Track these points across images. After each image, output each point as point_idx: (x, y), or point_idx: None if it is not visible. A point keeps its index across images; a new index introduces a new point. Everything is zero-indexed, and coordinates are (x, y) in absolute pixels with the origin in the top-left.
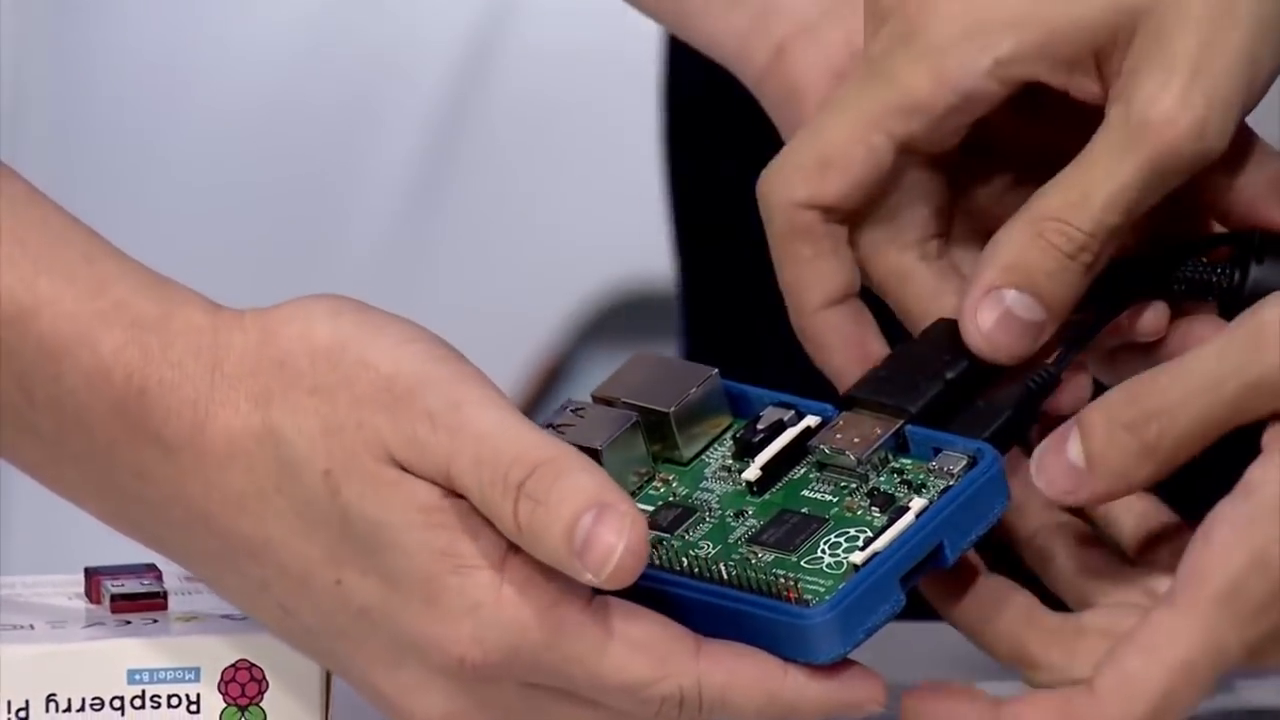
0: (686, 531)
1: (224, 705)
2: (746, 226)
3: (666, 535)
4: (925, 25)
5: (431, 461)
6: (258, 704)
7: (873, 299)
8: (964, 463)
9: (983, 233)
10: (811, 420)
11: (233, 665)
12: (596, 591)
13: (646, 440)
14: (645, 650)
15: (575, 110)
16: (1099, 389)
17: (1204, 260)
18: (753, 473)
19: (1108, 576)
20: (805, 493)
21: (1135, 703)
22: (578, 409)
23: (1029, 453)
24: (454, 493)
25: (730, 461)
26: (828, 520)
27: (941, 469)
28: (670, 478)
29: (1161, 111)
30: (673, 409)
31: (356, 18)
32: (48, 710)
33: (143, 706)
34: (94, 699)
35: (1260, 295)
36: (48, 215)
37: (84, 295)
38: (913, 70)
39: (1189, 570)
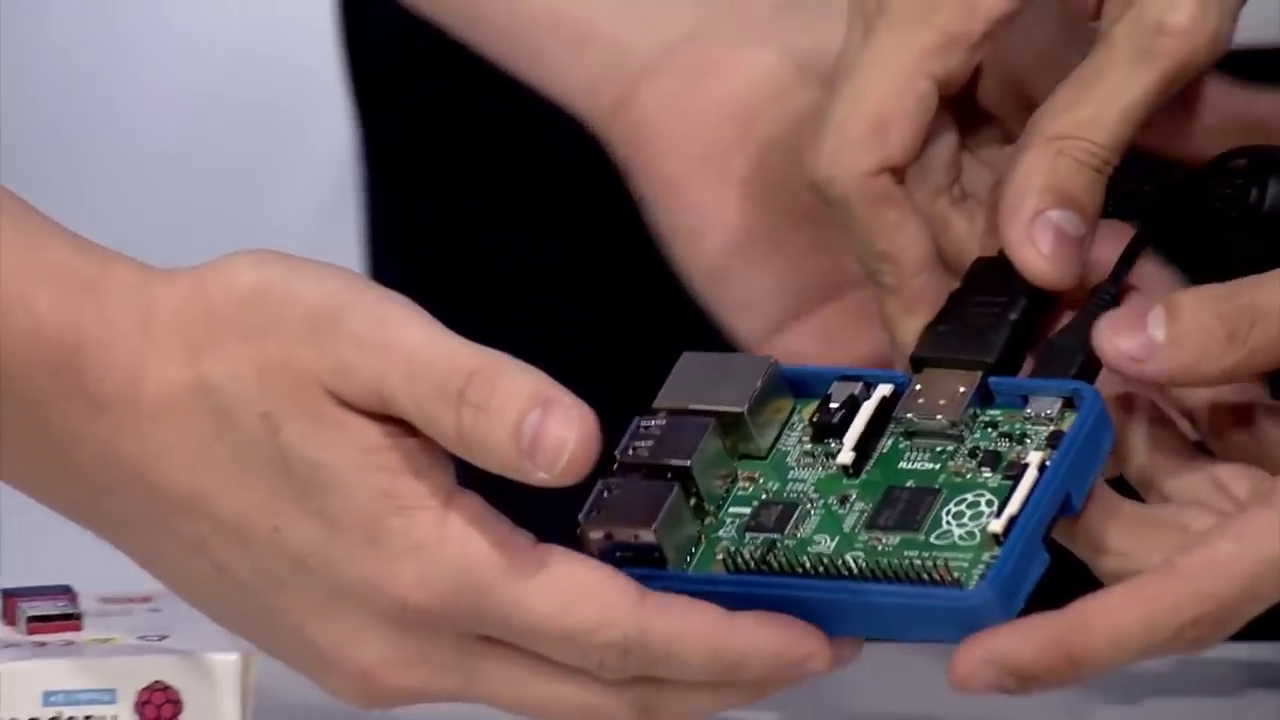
0: (796, 528)
1: None
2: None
3: (777, 535)
4: None
5: (363, 385)
6: None
7: None
8: (1058, 405)
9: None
10: (884, 389)
11: (148, 687)
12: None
13: (723, 442)
14: (589, 597)
15: None
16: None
17: (1223, 178)
18: (846, 455)
19: (1178, 457)
20: (902, 465)
21: (1221, 583)
22: (648, 424)
23: None
24: (398, 431)
25: (810, 446)
26: (939, 490)
27: (1038, 415)
28: (754, 474)
29: (1180, 22)
30: (746, 407)
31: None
32: None
33: None
34: None
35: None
36: None
37: (18, 256)
38: (944, 6)
39: None
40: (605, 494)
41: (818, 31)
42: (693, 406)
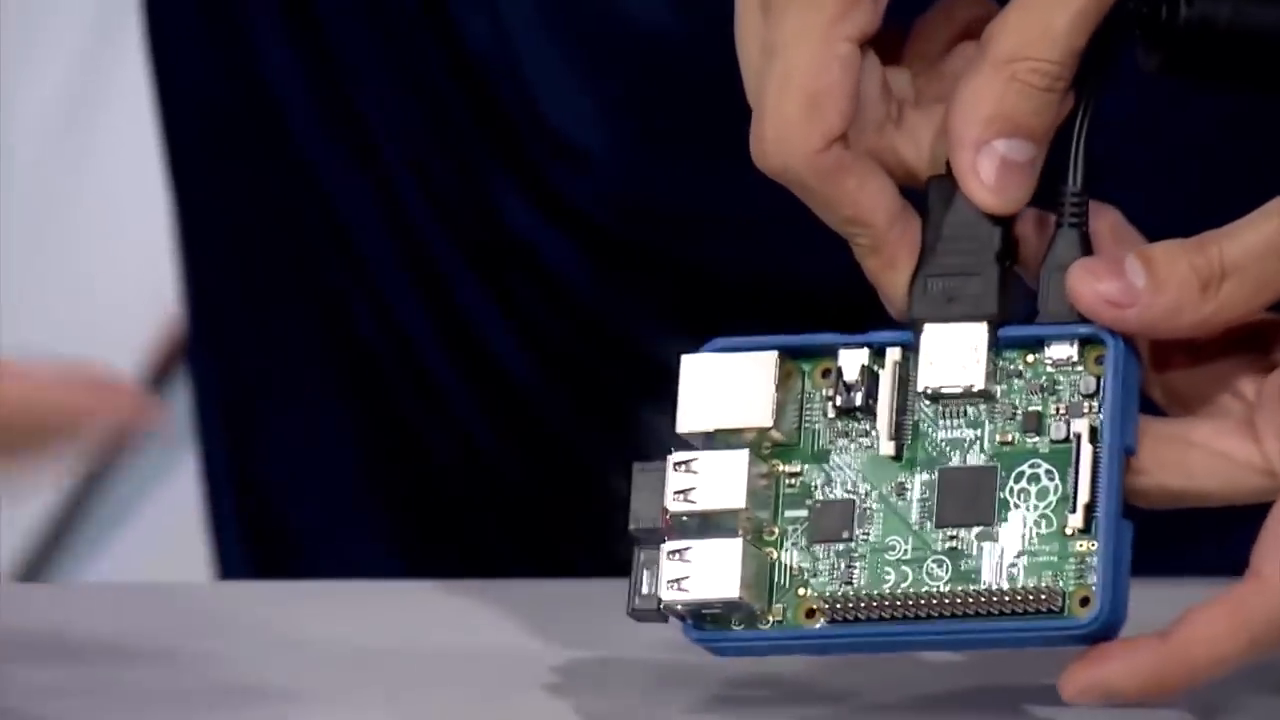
0: (864, 530)
1: None
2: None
3: (849, 544)
4: None
5: None
6: None
7: None
8: (1076, 348)
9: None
10: (894, 354)
11: None
12: None
13: (754, 452)
14: None
15: None
16: None
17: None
18: (886, 447)
19: (1179, 362)
20: (942, 436)
21: None
22: (685, 462)
23: None
24: None
25: (839, 424)
26: (994, 466)
27: (1062, 360)
28: (794, 468)
29: None
30: (773, 423)
31: None
32: None
33: None
34: None
35: (1198, 29)
36: None
37: None
38: None
39: None
40: (668, 557)
41: None
42: (718, 429)
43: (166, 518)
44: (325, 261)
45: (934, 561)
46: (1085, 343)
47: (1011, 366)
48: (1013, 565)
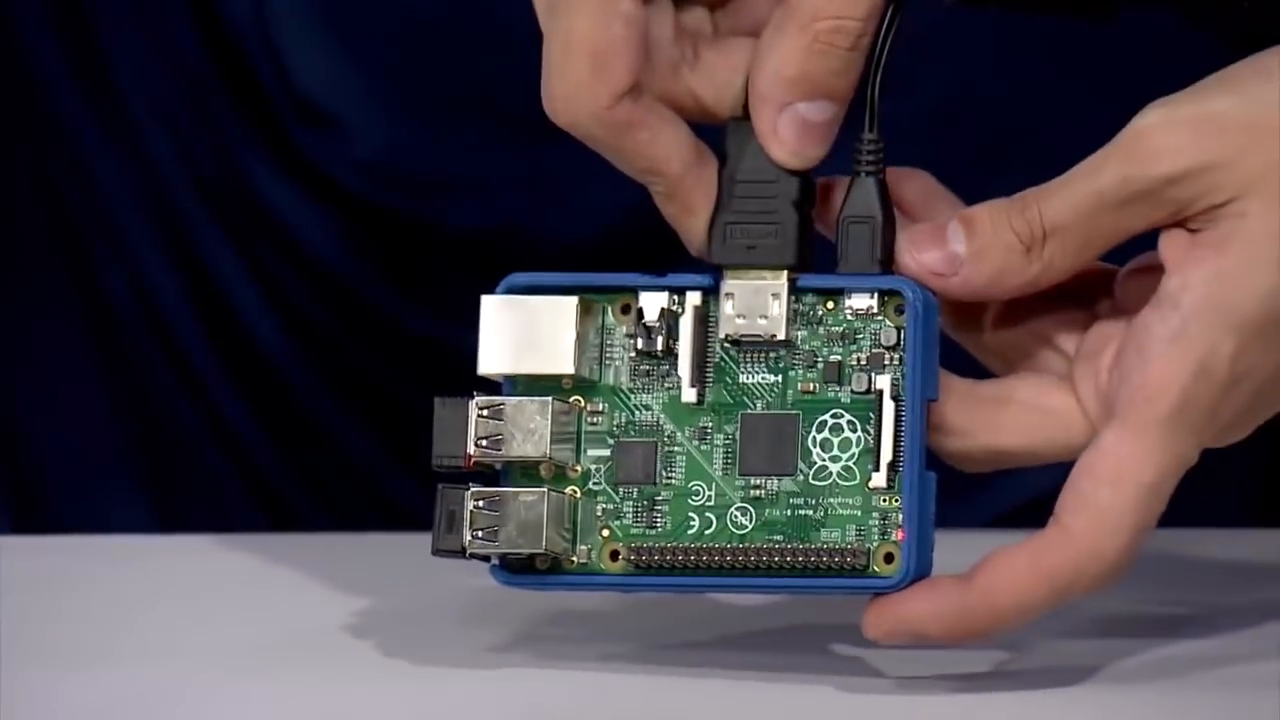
0: (667, 472)
1: None
2: None
3: (651, 488)
4: None
5: None
6: None
7: None
8: (876, 299)
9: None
10: (695, 298)
11: None
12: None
13: (558, 395)
14: None
15: None
16: None
17: None
18: (689, 394)
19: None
20: (744, 379)
21: (1115, 535)
22: (489, 407)
23: None
24: None
25: (641, 365)
26: (796, 414)
27: (863, 311)
28: (595, 406)
29: None
30: (574, 371)
31: None
32: None
33: None
34: None
35: None
36: None
37: None
38: None
39: (1135, 391)
40: (474, 506)
41: None
42: (519, 373)
43: None
44: (81, 229)
45: (738, 510)
46: (885, 294)
47: (812, 313)
48: (818, 518)
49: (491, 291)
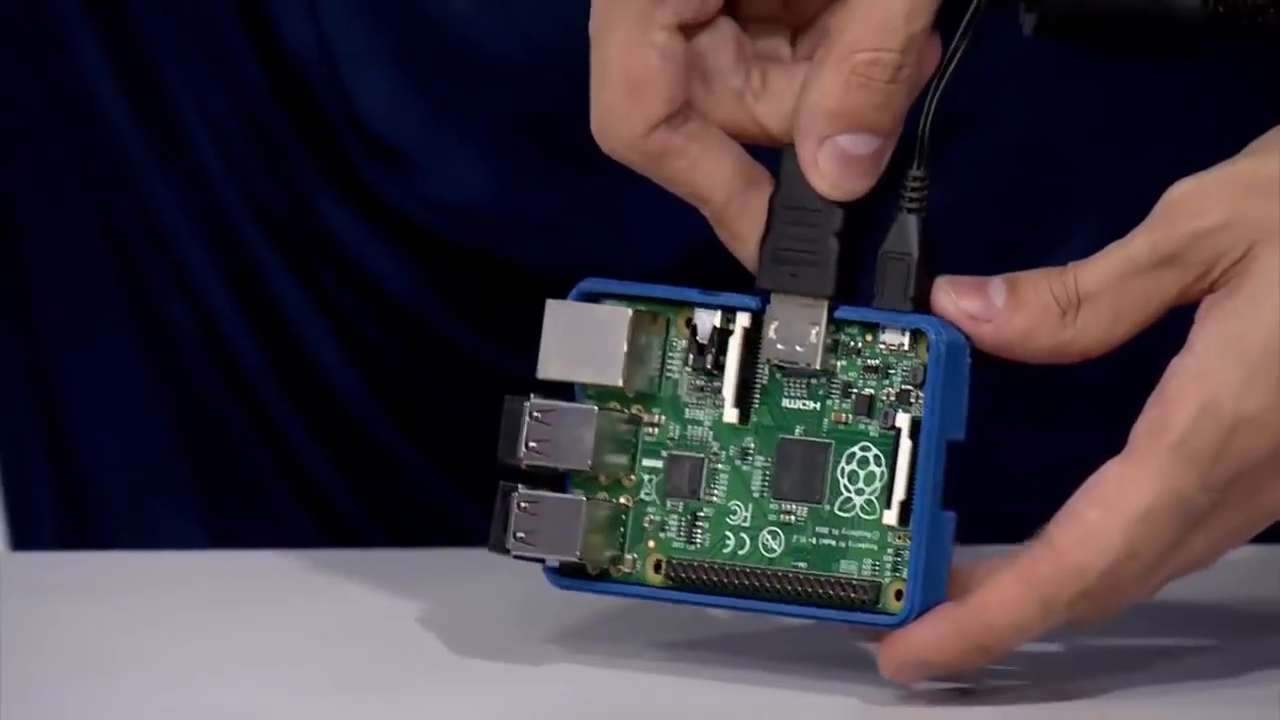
0: (710, 488)
1: None
2: None
3: (695, 503)
4: None
5: None
6: None
7: None
8: (908, 336)
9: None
10: (744, 320)
11: None
12: None
13: (620, 404)
14: None
15: None
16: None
17: None
18: (730, 414)
19: None
20: (786, 404)
21: (1099, 554)
22: (543, 412)
23: None
24: None
25: (695, 379)
26: (829, 443)
27: (895, 347)
28: (653, 417)
29: None
30: (622, 383)
31: None
32: None
33: None
34: None
35: None
36: None
37: None
38: None
39: (1145, 425)
40: (519, 509)
41: None
42: (573, 379)
43: None
44: (144, 261)
45: (769, 533)
46: (915, 332)
47: (851, 344)
48: (840, 548)
49: None
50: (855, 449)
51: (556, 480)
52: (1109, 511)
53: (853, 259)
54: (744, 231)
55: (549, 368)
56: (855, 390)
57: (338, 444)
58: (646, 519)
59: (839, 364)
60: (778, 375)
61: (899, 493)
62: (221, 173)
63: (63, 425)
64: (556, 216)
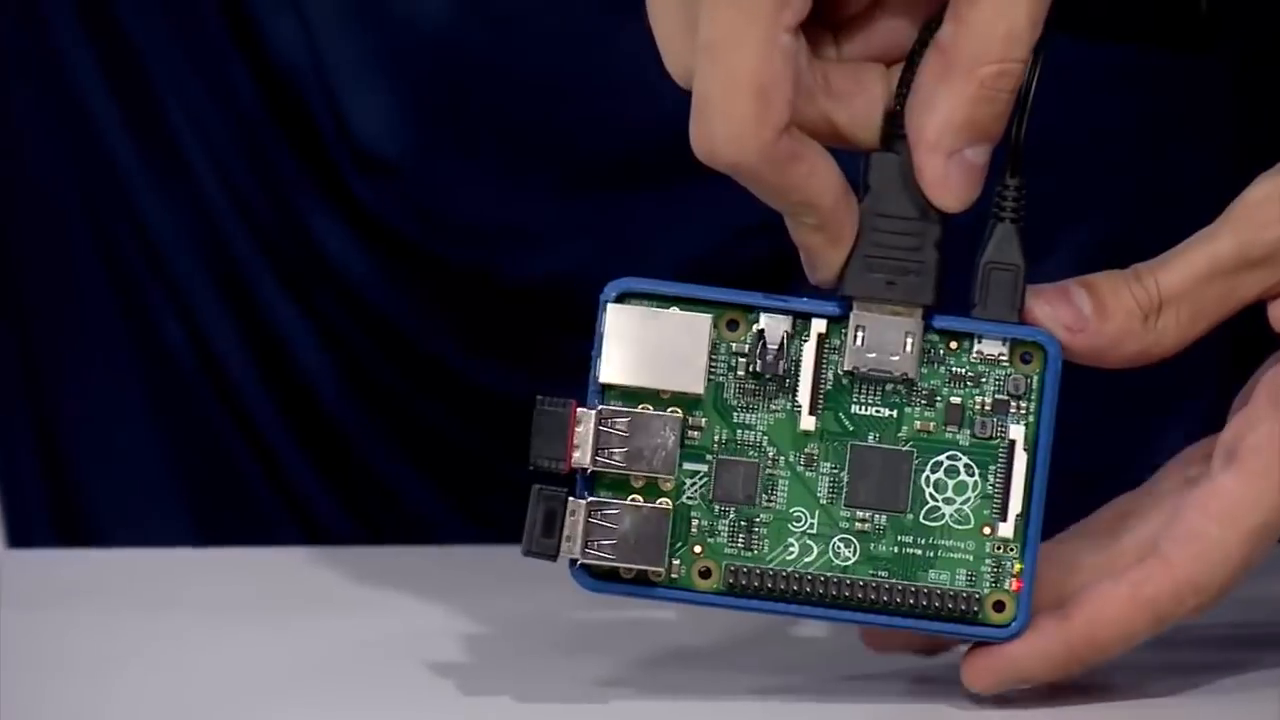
0: (768, 497)
1: None
2: None
3: (751, 509)
4: None
5: None
6: None
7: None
8: (1008, 347)
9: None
10: (819, 325)
11: None
12: None
13: (655, 404)
14: None
15: None
16: None
17: None
18: (807, 422)
19: None
20: (856, 410)
21: (1218, 570)
22: (613, 417)
23: None
24: None
25: (750, 384)
26: (910, 451)
27: (992, 357)
28: (697, 420)
29: None
30: (704, 388)
31: None
32: None
33: None
34: None
35: None
36: None
37: None
38: None
39: (1251, 438)
40: (596, 516)
41: None
42: (649, 385)
43: None
44: (137, 276)
45: (840, 540)
46: (1018, 343)
47: (934, 352)
48: (927, 558)
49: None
50: (942, 458)
51: (586, 484)
52: (1227, 528)
53: (946, 271)
54: (846, 237)
55: (613, 372)
56: (941, 399)
57: (327, 456)
58: (691, 525)
59: (920, 372)
60: (844, 381)
61: (1015, 505)
62: (214, 186)
63: (57, 438)
64: (546, 230)
